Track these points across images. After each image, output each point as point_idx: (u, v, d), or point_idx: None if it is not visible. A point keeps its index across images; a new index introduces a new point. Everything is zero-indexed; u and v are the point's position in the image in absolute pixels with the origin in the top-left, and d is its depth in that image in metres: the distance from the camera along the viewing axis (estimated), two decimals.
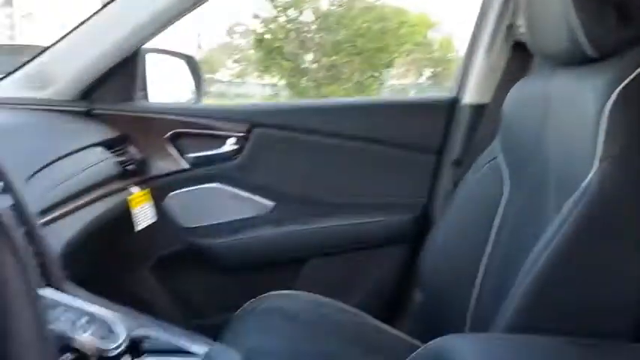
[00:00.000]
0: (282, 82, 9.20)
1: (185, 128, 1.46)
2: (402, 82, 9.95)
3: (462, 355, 0.73)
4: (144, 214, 1.38)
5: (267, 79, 10.59)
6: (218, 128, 1.47)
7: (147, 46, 1.44)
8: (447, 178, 1.43)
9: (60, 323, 0.67)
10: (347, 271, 1.49)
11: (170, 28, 1.39)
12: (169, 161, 1.46)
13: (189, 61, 1.71)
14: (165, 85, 1.65)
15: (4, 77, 1.37)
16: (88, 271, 1.07)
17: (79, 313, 0.69)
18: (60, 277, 0.79)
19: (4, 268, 0.44)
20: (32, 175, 0.98)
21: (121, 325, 0.72)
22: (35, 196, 0.93)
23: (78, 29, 1.38)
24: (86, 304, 0.72)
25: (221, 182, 1.47)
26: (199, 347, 0.77)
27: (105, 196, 1.23)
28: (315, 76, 8.66)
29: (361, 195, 1.49)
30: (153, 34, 1.39)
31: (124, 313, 0.77)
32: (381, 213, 1.47)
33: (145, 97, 1.52)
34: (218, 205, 1.48)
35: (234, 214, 1.48)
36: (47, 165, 1.06)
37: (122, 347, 0.70)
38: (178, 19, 1.38)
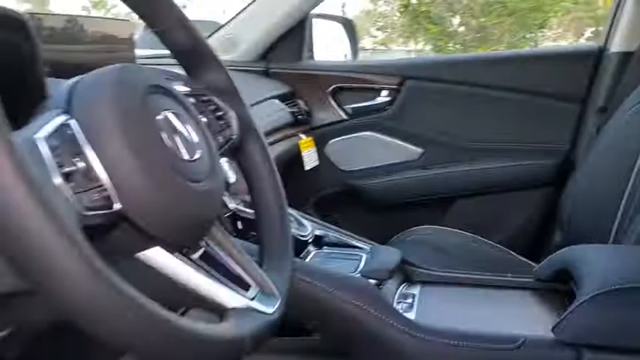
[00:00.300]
0: (428, 47, 9.14)
1: (344, 83, 1.67)
2: (560, 43, 9.37)
3: (584, 258, 0.86)
4: (310, 158, 1.62)
5: (412, 45, 10.53)
6: (373, 82, 1.66)
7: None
8: (591, 125, 1.49)
9: None
10: (491, 211, 1.61)
11: None
12: (330, 112, 1.68)
13: (347, 23, 1.92)
14: (327, 45, 1.88)
15: None
16: None
17: None
18: None
19: (264, 169, 0.67)
20: None
21: (307, 222, 0.95)
22: None
23: (255, 1, 1.64)
24: None
25: (375, 131, 1.67)
26: (365, 245, 0.98)
27: (282, 139, 1.48)
28: (462, 39, 8.52)
29: (507, 141, 1.60)
30: (319, 1, 1.61)
31: (307, 217, 1.00)
32: (526, 158, 1.57)
33: (312, 57, 1.75)
34: (372, 151, 1.68)
35: (386, 159, 1.67)
36: None
37: (309, 237, 0.93)
38: None
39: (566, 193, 1.39)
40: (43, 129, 0.39)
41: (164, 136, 0.46)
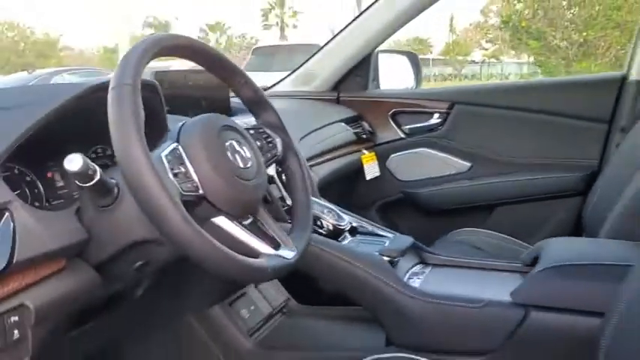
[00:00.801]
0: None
1: (402, 107, 1.99)
2: None
3: (553, 246, 1.12)
4: (371, 169, 1.96)
5: (525, 57, 10.41)
6: (426, 106, 1.97)
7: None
8: (614, 142, 1.70)
9: (315, 209, 1.26)
10: (528, 217, 1.85)
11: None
12: (391, 132, 2.01)
13: (411, 56, 2.25)
14: (394, 75, 2.20)
15: (286, 77, 2.08)
16: (335, 202, 1.68)
17: (323, 207, 1.28)
18: (314, 191, 1.39)
19: (298, 176, 1.02)
20: (303, 137, 1.61)
21: (345, 215, 1.29)
22: (305, 149, 1.56)
23: (331, 42, 2.01)
24: (326, 203, 1.31)
25: (428, 147, 1.97)
26: (390, 233, 1.30)
27: (346, 154, 1.84)
28: (565, 54, 8.40)
29: (542, 156, 1.84)
30: (384, 40, 1.95)
31: (347, 213, 1.34)
32: (559, 171, 1.81)
33: (377, 85, 2.09)
34: (426, 165, 1.98)
35: (438, 172, 1.96)
36: (311, 132, 1.69)
37: (345, 226, 1.27)
38: (405, 25, 1.91)
39: (588, 201, 1.61)
40: (165, 151, 0.77)
41: (229, 154, 0.83)
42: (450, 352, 1.07)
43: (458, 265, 1.28)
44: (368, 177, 1.93)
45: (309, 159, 1.58)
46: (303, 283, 1.27)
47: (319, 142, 1.69)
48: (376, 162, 1.97)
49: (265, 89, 2.18)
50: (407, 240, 1.28)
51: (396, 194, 2.03)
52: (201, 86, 1.36)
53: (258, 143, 0.97)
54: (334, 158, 1.75)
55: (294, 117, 1.76)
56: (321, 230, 1.25)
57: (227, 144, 0.85)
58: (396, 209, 2.04)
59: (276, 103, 1.87)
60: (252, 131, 0.98)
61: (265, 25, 35.50)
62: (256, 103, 1.01)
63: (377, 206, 2.05)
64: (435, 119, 1.96)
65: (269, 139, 1.00)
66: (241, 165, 0.85)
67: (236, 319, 1.27)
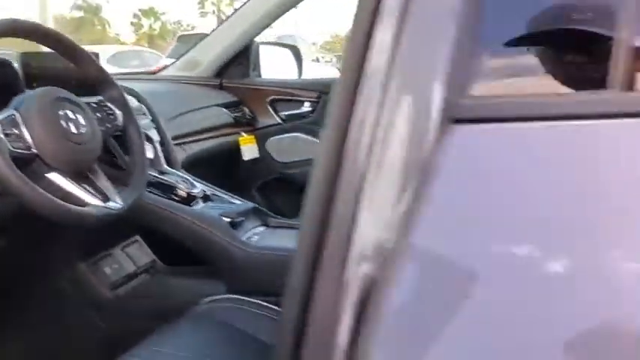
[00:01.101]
0: None
1: (279, 95, 2.20)
2: None
3: None
4: (249, 151, 2.15)
5: None
6: (300, 95, 2.18)
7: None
8: None
9: (171, 179, 1.44)
10: None
11: None
12: (269, 118, 2.20)
13: (294, 50, 2.45)
14: (277, 66, 2.40)
15: (173, 63, 2.24)
16: (212, 178, 1.83)
17: (179, 177, 1.46)
18: (177, 165, 1.57)
19: (136, 145, 1.20)
20: (174, 117, 1.78)
21: (198, 185, 1.48)
22: (175, 128, 1.73)
23: (215, 30, 2.18)
24: (183, 174, 1.49)
25: (302, 132, 2.18)
26: (238, 201, 1.50)
27: (222, 135, 2.02)
28: None
29: None
30: (261, 30, 2.14)
31: (202, 182, 1.53)
32: None
33: (259, 75, 2.28)
34: (300, 148, 2.18)
35: (310, 154, 2.18)
36: (185, 113, 1.86)
37: (197, 193, 1.45)
38: (282, 15, 2.11)
39: None
40: (0, 115, 0.94)
41: (62, 121, 1.00)
42: (272, 293, 1.28)
43: (292, 226, 1.49)
44: (245, 158, 2.12)
45: (179, 137, 1.74)
46: (171, 246, 1.45)
47: (192, 122, 1.87)
48: (255, 144, 2.17)
49: (152, 73, 2.33)
50: (249, 205, 1.49)
51: (274, 174, 2.23)
52: (71, 68, 1.51)
53: (99, 115, 1.14)
54: (209, 138, 1.93)
55: (171, 99, 1.93)
56: (175, 197, 1.44)
57: (61, 112, 1.01)
58: (275, 188, 2.24)
59: (159, 87, 2.05)
60: (94, 105, 1.15)
61: (202, 12, 34.96)
62: (102, 81, 1.18)
63: (257, 185, 2.25)
64: (307, 107, 2.18)
65: (110, 112, 1.18)
66: (74, 130, 1.02)
67: (100, 275, 1.43)
